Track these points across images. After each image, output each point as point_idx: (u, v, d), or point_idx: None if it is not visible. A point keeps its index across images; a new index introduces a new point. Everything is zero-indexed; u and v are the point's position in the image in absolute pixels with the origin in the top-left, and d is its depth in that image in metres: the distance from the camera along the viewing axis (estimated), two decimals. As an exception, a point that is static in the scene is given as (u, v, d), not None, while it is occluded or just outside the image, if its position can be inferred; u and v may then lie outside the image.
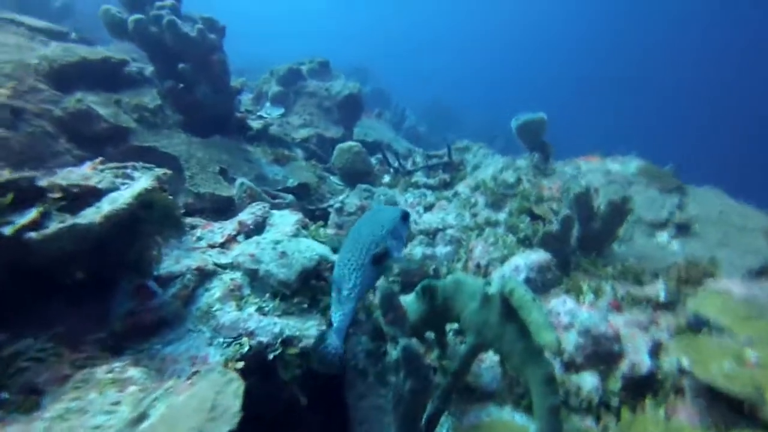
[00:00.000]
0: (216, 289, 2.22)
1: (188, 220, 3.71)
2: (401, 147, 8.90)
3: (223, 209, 3.93)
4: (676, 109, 34.49)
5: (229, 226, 2.93)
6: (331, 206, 4.83)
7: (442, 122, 20.11)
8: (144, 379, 1.43)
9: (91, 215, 1.62)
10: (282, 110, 7.32)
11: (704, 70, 37.01)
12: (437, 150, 6.50)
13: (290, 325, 2.15)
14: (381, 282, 2.21)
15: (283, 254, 2.35)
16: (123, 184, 2.19)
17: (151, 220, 2.08)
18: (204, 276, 2.28)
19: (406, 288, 3.97)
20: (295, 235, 2.69)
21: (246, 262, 2.33)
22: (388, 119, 13.36)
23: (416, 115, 18.21)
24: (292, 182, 5.00)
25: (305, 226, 2.94)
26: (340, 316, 1.95)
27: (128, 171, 2.44)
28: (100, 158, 2.70)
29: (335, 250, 2.64)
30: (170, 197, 3.00)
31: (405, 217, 2.30)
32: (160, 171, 2.68)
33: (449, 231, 4.08)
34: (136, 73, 4.54)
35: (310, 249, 2.43)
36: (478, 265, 3.55)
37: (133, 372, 1.46)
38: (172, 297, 2.02)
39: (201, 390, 1.33)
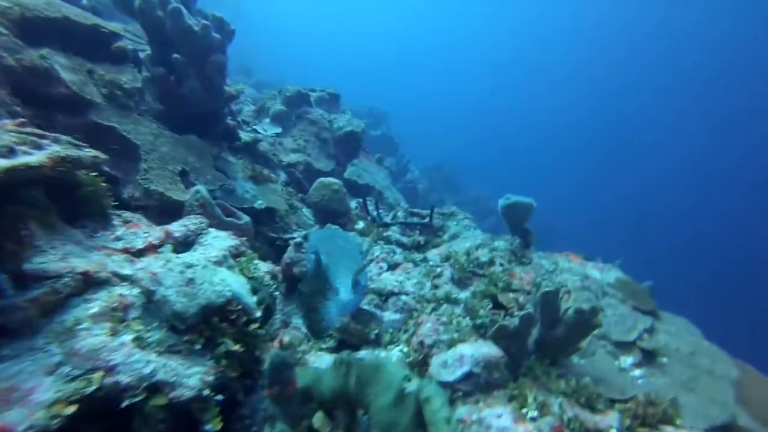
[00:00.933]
0: (98, 302, 1.85)
1: (126, 214, 3.38)
2: (392, 197, 8.67)
3: (170, 212, 3.60)
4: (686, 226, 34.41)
5: (155, 233, 2.59)
6: (293, 239, 4.51)
7: (443, 185, 20.09)
8: None
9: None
10: (279, 130, 7.12)
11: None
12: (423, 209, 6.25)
13: (168, 367, 1.78)
14: (274, 350, 1.88)
15: (191, 281, 2.01)
16: (26, 153, 1.87)
17: (31, 202, 1.75)
18: (90, 283, 1.92)
19: (341, 346, 3.61)
20: (219, 263, 2.35)
21: (145, 279, 1.98)
22: (389, 167, 13.22)
23: (419, 171, 18.17)
24: (260, 204, 4.69)
25: (238, 255, 2.61)
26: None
27: (44, 142, 2.13)
28: (20, 119, 2.40)
29: (256, 291, 2.31)
30: (103, 184, 2.69)
31: None
32: (89, 152, 2.38)
33: (404, 297, 3.75)
34: (129, 50, 4.31)
35: (224, 283, 2.09)
36: (421, 343, 3.19)
37: None
38: (28, 301, 1.65)
39: None
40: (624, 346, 3.34)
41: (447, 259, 4.37)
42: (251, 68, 19.18)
